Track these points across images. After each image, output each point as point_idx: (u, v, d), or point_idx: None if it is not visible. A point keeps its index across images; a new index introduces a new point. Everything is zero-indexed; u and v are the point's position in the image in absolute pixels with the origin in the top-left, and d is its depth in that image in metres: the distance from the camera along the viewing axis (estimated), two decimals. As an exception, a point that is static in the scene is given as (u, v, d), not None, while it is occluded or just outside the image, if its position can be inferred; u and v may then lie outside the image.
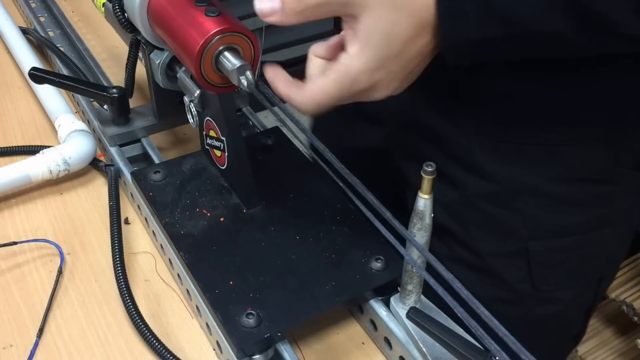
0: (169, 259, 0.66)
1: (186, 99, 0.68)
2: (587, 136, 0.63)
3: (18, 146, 0.82)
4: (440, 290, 0.40)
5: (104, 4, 0.75)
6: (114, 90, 0.76)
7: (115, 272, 0.64)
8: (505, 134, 0.65)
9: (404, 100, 0.58)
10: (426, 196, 0.50)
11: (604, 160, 0.65)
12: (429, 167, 0.48)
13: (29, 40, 0.99)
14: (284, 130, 0.77)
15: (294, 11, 0.49)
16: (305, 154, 0.73)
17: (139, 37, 0.70)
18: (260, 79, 0.54)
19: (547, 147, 0.64)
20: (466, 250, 0.71)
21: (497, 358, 0.46)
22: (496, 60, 0.54)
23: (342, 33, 0.50)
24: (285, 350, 0.56)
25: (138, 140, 0.80)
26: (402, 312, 0.56)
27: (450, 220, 0.71)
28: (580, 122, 0.62)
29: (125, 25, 0.67)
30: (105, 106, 0.79)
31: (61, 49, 0.95)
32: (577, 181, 0.65)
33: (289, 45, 1.66)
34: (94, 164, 0.79)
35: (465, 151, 0.67)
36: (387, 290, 0.60)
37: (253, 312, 0.55)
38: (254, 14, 0.51)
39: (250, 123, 0.84)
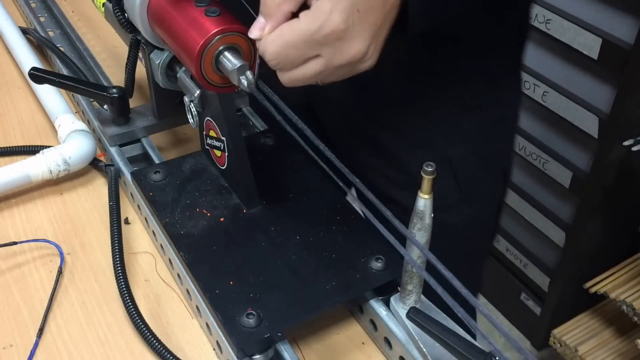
0: (169, 259, 0.66)
1: (186, 99, 0.68)
2: (471, 50, 0.73)
3: (18, 146, 0.82)
4: (440, 290, 0.40)
5: (104, 4, 0.75)
6: (114, 90, 0.76)
7: (115, 272, 0.64)
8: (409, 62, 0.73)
9: None
10: (426, 196, 0.50)
11: (488, 67, 0.76)
12: (429, 167, 0.48)
13: (29, 40, 0.99)
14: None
15: (275, 5, 0.49)
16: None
17: (139, 37, 0.70)
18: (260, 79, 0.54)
19: (449, 68, 0.74)
20: (401, 174, 0.80)
21: (497, 358, 0.46)
22: (448, 16, 0.59)
23: None
24: (285, 350, 0.56)
25: (138, 140, 0.80)
26: (402, 312, 0.56)
27: (382, 152, 0.80)
28: (467, 47, 0.72)
29: (125, 25, 0.67)
30: (105, 106, 0.79)
31: (61, 49, 0.95)
32: (478, 89, 0.76)
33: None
34: (94, 164, 0.79)
35: (379, 85, 0.74)
36: (387, 290, 0.60)
37: (253, 312, 0.55)
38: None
39: (250, 123, 0.84)
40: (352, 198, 0.54)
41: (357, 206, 0.58)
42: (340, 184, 0.50)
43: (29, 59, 0.92)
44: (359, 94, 0.77)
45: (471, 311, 0.41)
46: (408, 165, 0.79)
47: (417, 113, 0.76)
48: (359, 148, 0.83)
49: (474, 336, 0.52)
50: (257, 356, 0.55)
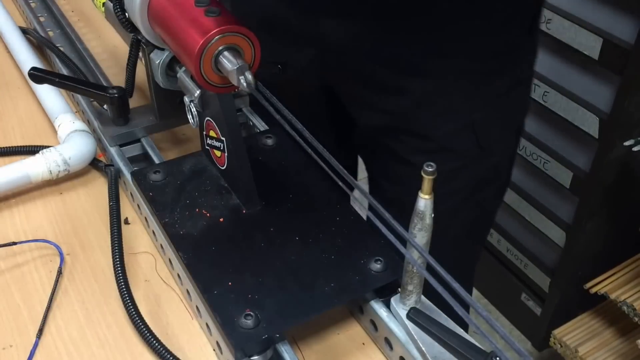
0: (169, 259, 0.66)
1: (186, 99, 0.67)
2: (491, 18, 0.78)
3: (18, 146, 0.82)
4: (440, 289, 0.40)
5: (104, 4, 0.75)
6: (114, 90, 0.76)
7: (115, 272, 0.64)
8: (437, 34, 0.78)
9: (349, 27, 0.74)
10: (426, 196, 0.50)
11: (508, 32, 0.80)
12: (429, 167, 0.48)
13: (29, 40, 0.99)
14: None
15: None
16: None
17: (139, 37, 0.70)
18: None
19: (464, 37, 0.78)
20: (419, 139, 0.85)
21: (497, 358, 0.46)
22: None
23: None
24: (285, 350, 0.56)
25: (138, 140, 0.80)
26: (403, 312, 0.56)
27: (403, 119, 0.84)
28: (487, 15, 0.77)
29: (126, 24, 0.67)
30: (105, 106, 0.79)
31: (61, 49, 0.95)
32: (491, 54, 0.80)
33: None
34: (94, 164, 0.79)
35: (407, 60, 0.79)
36: (387, 290, 0.60)
37: (251, 313, 0.55)
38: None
39: (250, 123, 0.84)
40: (353, 199, 0.54)
41: (359, 207, 0.59)
42: (340, 184, 0.50)
43: (29, 59, 0.92)
44: (380, 64, 0.80)
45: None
46: (435, 132, 0.84)
47: (439, 82, 0.80)
48: (383, 124, 0.86)
49: (466, 328, 0.52)
50: (255, 357, 0.55)
